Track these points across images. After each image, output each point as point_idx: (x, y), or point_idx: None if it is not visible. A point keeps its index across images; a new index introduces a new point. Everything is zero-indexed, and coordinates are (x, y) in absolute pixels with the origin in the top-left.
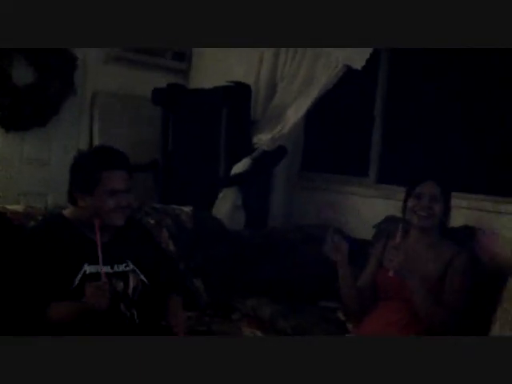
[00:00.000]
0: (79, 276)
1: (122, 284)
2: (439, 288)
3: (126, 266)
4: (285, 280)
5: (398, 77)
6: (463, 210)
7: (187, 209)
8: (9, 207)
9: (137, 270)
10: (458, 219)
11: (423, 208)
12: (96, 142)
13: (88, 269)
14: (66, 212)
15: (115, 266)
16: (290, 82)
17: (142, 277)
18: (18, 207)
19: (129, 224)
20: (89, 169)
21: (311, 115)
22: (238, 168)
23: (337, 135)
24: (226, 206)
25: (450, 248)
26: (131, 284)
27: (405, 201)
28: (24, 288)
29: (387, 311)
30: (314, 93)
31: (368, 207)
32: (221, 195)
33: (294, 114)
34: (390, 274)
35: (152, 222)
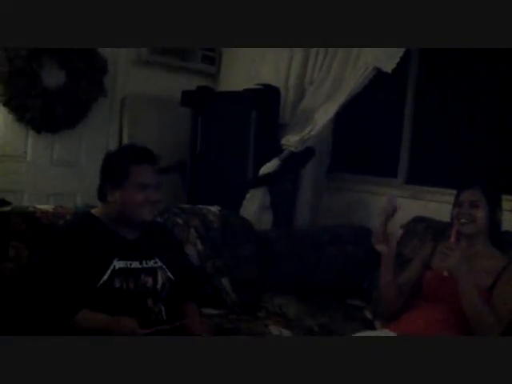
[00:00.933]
0: (109, 271)
1: (151, 280)
2: (488, 298)
3: (154, 263)
4: (312, 279)
5: (429, 78)
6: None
7: (215, 209)
8: (39, 207)
9: (164, 267)
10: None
11: (464, 215)
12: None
13: (117, 264)
14: (94, 211)
15: (144, 262)
16: (319, 86)
17: (170, 274)
18: (48, 207)
19: (155, 225)
20: (117, 163)
21: (340, 115)
22: (266, 169)
23: (366, 136)
24: (253, 206)
25: (500, 259)
26: (160, 280)
27: (452, 209)
28: (54, 287)
29: (431, 311)
30: (343, 96)
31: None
32: (248, 196)
33: (323, 117)
34: (445, 273)
35: (180, 222)
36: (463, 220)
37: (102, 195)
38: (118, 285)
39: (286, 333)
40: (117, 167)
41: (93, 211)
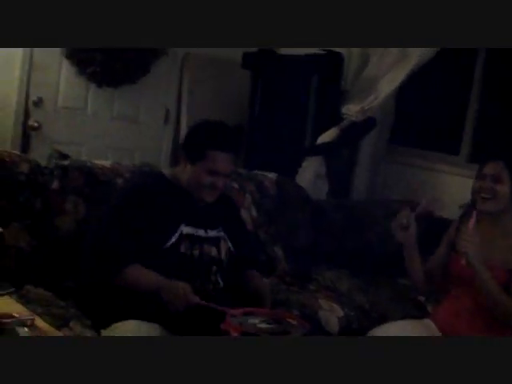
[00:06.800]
0: (177, 235)
1: (214, 249)
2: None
3: (218, 232)
4: (366, 254)
5: (498, 56)
6: None
7: (271, 175)
8: (97, 162)
9: (226, 237)
10: None
11: (485, 189)
12: (184, 103)
13: (185, 229)
14: (167, 173)
15: (208, 231)
16: (384, 54)
17: (230, 245)
18: (106, 163)
19: (222, 194)
20: (197, 142)
21: (404, 87)
22: (325, 137)
23: (429, 110)
24: (309, 174)
25: None
26: (222, 250)
27: (474, 183)
28: (114, 238)
29: (456, 301)
30: (408, 66)
31: (457, 186)
32: (305, 163)
33: (387, 86)
34: (462, 262)
35: (236, 186)
36: (484, 195)
37: (175, 159)
38: (183, 250)
39: (336, 308)
40: (195, 146)
41: (164, 172)
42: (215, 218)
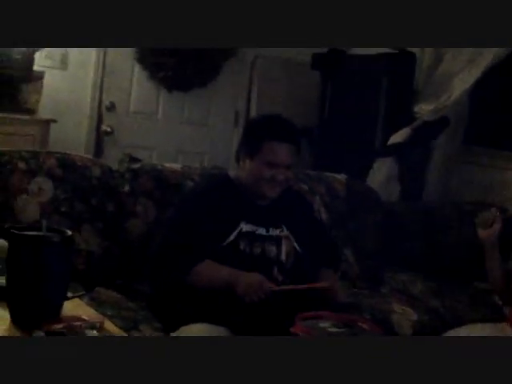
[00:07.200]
0: (235, 232)
1: (274, 249)
2: None
3: (280, 231)
4: (439, 257)
5: None
6: None
7: (341, 177)
8: (167, 165)
9: (291, 236)
10: None
11: None
12: (254, 105)
13: (244, 227)
14: (232, 173)
15: (270, 230)
16: (458, 51)
17: (296, 244)
18: (176, 166)
19: (289, 192)
20: (254, 135)
21: (479, 84)
22: (396, 138)
23: (506, 107)
24: (380, 176)
25: None
26: (284, 249)
27: None
28: (180, 239)
29: None
30: (483, 63)
31: None
32: (376, 165)
33: (461, 84)
34: None
35: (305, 188)
36: None
37: (237, 157)
38: (242, 247)
39: (409, 312)
40: (252, 139)
41: (230, 173)
42: (278, 216)
